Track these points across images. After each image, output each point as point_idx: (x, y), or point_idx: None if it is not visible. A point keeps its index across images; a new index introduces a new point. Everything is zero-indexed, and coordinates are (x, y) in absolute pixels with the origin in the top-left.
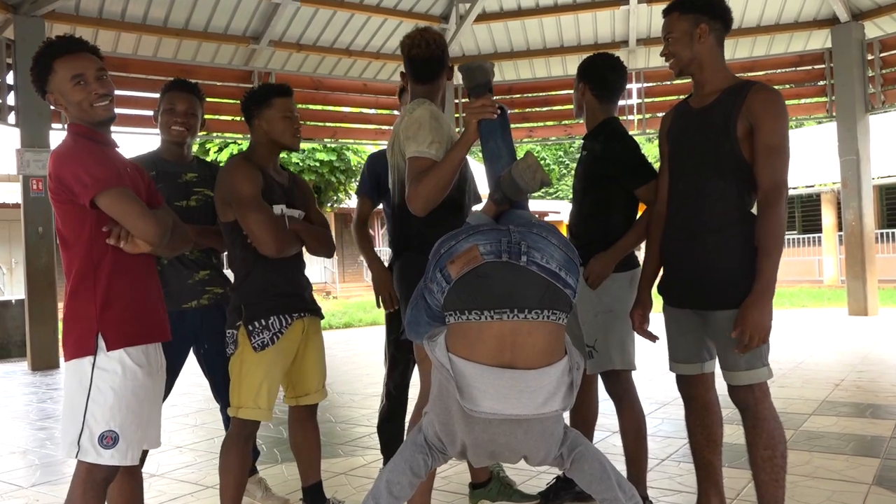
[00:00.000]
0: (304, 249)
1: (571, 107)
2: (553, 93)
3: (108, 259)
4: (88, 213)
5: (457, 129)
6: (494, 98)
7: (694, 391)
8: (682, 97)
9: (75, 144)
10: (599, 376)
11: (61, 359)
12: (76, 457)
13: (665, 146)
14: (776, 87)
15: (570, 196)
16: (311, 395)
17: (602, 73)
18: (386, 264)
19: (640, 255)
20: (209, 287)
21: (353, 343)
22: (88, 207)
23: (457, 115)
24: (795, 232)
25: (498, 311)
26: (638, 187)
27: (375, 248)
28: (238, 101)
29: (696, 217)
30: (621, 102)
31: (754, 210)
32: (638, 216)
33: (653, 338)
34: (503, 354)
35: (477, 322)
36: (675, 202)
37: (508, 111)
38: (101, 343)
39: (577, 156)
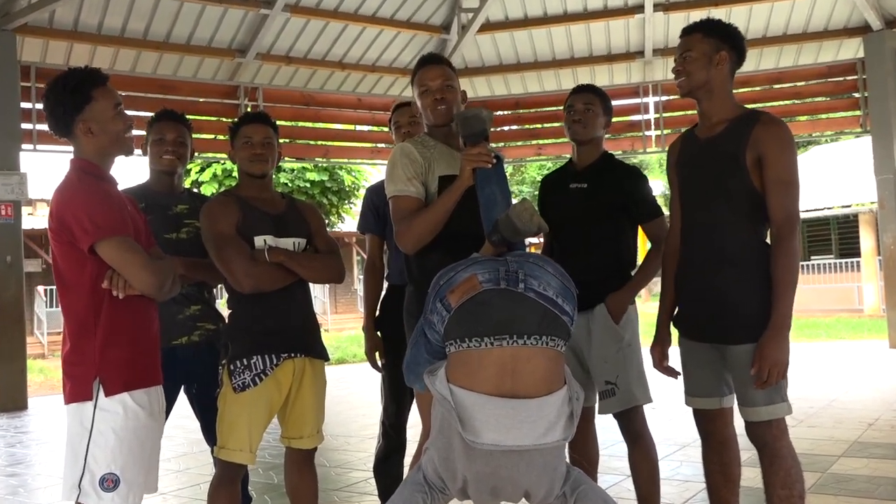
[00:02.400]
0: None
1: None
2: (563, 108)
3: (108, 301)
4: (88, 256)
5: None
6: (503, 122)
7: (712, 427)
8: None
9: (80, 183)
10: (597, 412)
11: (31, 399)
12: (77, 500)
13: (674, 177)
14: (805, 100)
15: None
16: (304, 440)
17: (612, 108)
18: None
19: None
20: (200, 323)
21: (347, 381)
22: (87, 253)
23: None
24: (832, 256)
25: (498, 338)
26: (646, 222)
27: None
28: (222, 119)
29: (709, 249)
30: (636, 117)
31: (769, 240)
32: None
33: (674, 374)
34: (504, 382)
35: (477, 349)
36: (688, 234)
37: (504, 159)
38: (101, 388)
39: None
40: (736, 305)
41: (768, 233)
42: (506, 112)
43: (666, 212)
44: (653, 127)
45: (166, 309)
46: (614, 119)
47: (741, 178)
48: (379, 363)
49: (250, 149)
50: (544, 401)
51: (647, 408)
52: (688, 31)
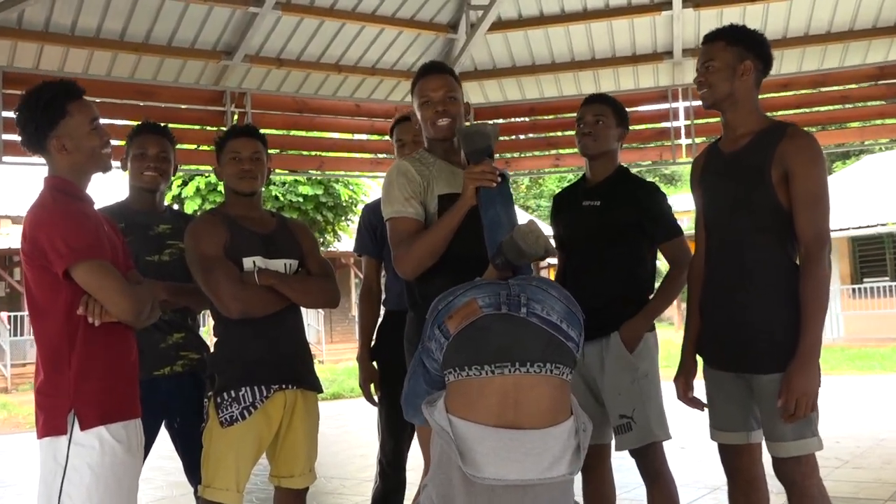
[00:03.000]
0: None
1: None
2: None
3: (84, 329)
4: (63, 281)
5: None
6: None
7: (738, 463)
8: None
9: (54, 203)
10: (613, 449)
11: None
12: None
13: (698, 193)
14: (855, 104)
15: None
16: (295, 479)
17: (627, 118)
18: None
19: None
20: (184, 352)
21: (343, 418)
22: (62, 278)
23: None
24: (887, 278)
25: (499, 365)
26: (663, 242)
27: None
28: (206, 128)
29: (734, 271)
30: (665, 124)
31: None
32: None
33: (700, 406)
34: (506, 412)
35: (477, 378)
36: (712, 255)
37: (510, 176)
38: (76, 421)
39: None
40: (762, 332)
41: (797, 253)
42: (520, 119)
43: (688, 232)
44: (683, 135)
45: (147, 337)
46: (640, 127)
47: (767, 194)
48: (375, 397)
49: (238, 164)
50: (549, 432)
51: (675, 447)
52: (710, 39)
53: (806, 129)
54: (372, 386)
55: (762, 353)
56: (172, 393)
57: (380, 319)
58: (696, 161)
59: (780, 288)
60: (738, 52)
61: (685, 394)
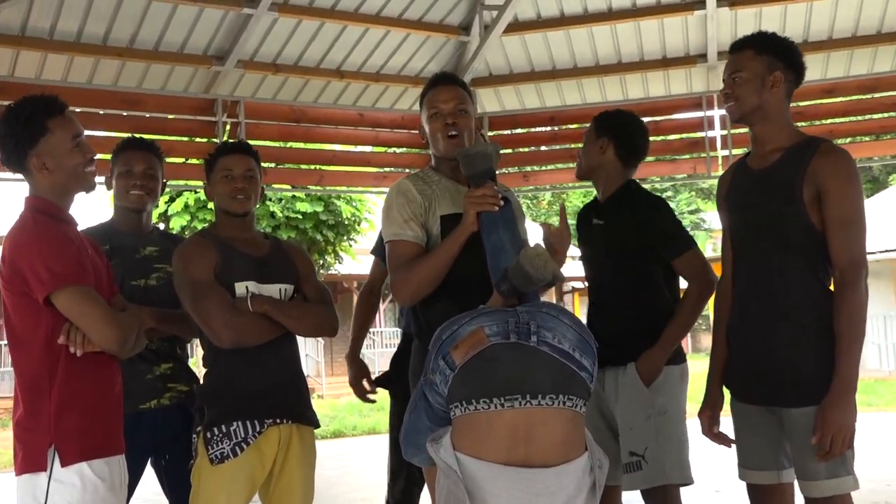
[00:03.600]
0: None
1: None
2: None
3: (66, 359)
4: (44, 309)
5: None
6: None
7: None
8: None
9: (35, 226)
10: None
11: None
12: None
13: (724, 214)
14: None
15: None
16: None
17: (631, 132)
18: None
19: None
20: (171, 384)
21: (345, 458)
22: (43, 305)
23: None
24: None
25: (508, 398)
26: (676, 257)
27: (373, 328)
28: (195, 139)
29: (764, 298)
30: (700, 133)
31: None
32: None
33: (727, 442)
34: (517, 449)
35: (486, 412)
36: (740, 280)
37: (513, 201)
38: (56, 457)
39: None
40: (793, 363)
41: (831, 278)
42: (540, 129)
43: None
44: (719, 146)
45: (132, 368)
46: (672, 137)
47: (798, 213)
48: (368, 394)
49: (230, 183)
50: (562, 470)
51: (710, 490)
52: (737, 48)
53: (857, 138)
54: (364, 382)
55: (793, 386)
56: (159, 428)
57: (397, 345)
58: (722, 178)
59: (812, 316)
60: (767, 61)
61: (710, 428)
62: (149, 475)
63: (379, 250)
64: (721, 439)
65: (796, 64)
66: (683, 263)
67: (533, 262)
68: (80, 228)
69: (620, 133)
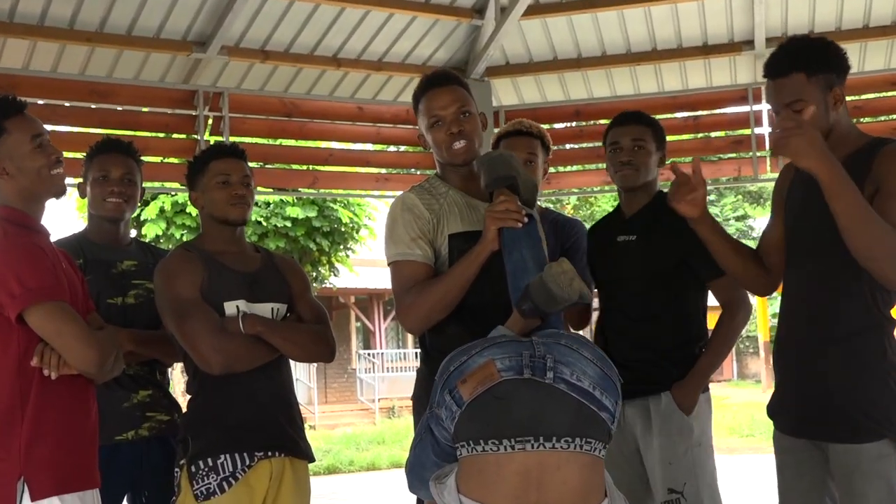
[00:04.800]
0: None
1: (670, 138)
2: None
3: (38, 383)
4: (15, 327)
5: None
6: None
7: None
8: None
9: (5, 238)
10: None
11: None
12: None
13: (778, 217)
14: None
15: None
16: None
17: (665, 138)
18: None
19: None
20: (151, 412)
21: (339, 497)
22: (14, 322)
23: None
24: None
25: (520, 440)
26: (713, 279)
27: (373, 350)
28: (173, 136)
29: (815, 320)
30: (745, 131)
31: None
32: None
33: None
34: (528, 495)
35: (495, 454)
36: (790, 298)
37: (539, 219)
38: (26, 490)
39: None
40: (840, 394)
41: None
42: (563, 125)
43: None
44: (767, 145)
45: (108, 395)
46: (715, 134)
47: None
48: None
49: (227, 189)
50: None
51: None
52: (780, 73)
53: None
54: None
55: (840, 420)
56: (138, 461)
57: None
58: (783, 174)
59: (866, 343)
60: (823, 81)
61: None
62: None
63: None
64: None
65: (847, 67)
66: (723, 286)
67: (558, 280)
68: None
69: (664, 138)
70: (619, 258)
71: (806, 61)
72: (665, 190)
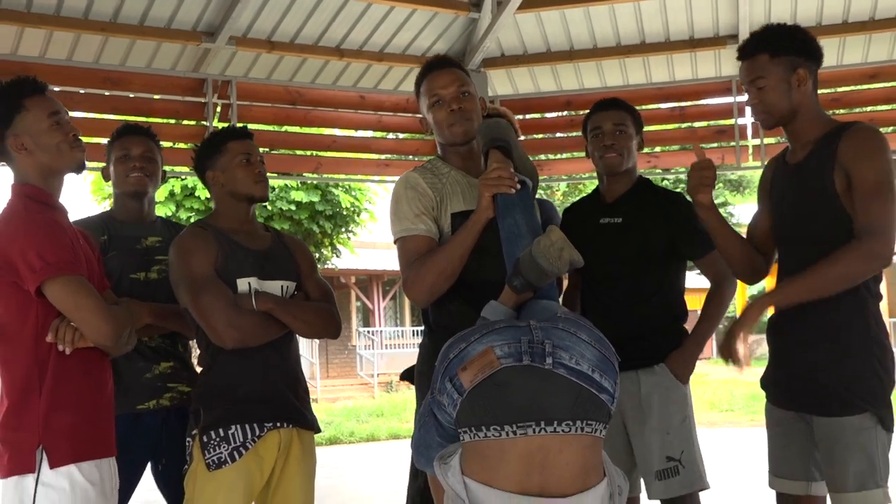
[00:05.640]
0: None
1: (657, 127)
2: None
3: (56, 356)
4: (34, 300)
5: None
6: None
7: None
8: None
9: (26, 213)
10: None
11: None
12: None
13: (765, 208)
14: None
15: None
16: None
17: (642, 123)
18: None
19: None
20: (172, 384)
21: (340, 467)
22: (34, 295)
23: None
24: None
25: (522, 426)
26: (700, 257)
27: (372, 328)
28: (183, 122)
29: (803, 313)
30: (729, 121)
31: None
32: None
33: (738, 361)
34: (531, 478)
35: (497, 440)
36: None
37: (531, 184)
38: (45, 458)
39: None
40: (826, 370)
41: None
42: (555, 114)
43: None
44: (750, 134)
45: (130, 366)
46: (699, 124)
47: (831, 208)
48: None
49: (252, 167)
50: (579, 499)
51: (732, 495)
52: (749, 54)
53: (870, 125)
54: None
55: (824, 394)
56: (158, 430)
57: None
58: (766, 169)
59: (850, 323)
60: (786, 61)
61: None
62: (147, 478)
63: None
64: (733, 356)
65: (815, 51)
66: (711, 262)
67: (547, 255)
68: (74, 220)
69: (641, 124)
70: (603, 239)
71: (770, 43)
72: (683, 169)
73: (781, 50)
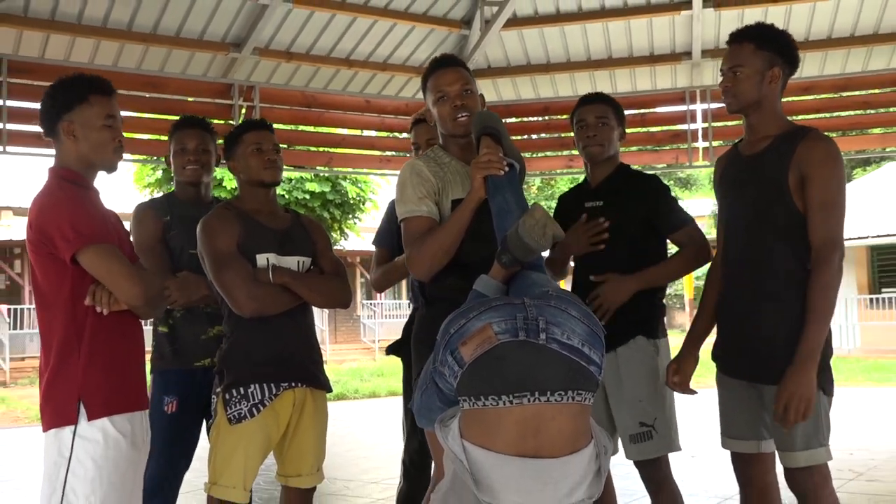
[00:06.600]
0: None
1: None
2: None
3: (91, 319)
4: (69, 269)
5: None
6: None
7: (750, 472)
8: None
9: (61, 191)
10: (625, 457)
11: None
12: None
13: (719, 198)
14: (878, 110)
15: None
16: (303, 478)
17: (624, 116)
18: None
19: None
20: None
21: (347, 420)
22: (69, 263)
23: None
24: None
25: (517, 396)
26: (675, 232)
27: (374, 300)
28: (214, 120)
29: (750, 280)
30: (682, 126)
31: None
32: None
33: (688, 391)
34: (526, 442)
35: (495, 408)
36: (729, 261)
37: (518, 167)
38: (83, 411)
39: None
40: (773, 343)
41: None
42: (533, 118)
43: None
44: (700, 138)
45: (191, 328)
46: (656, 129)
47: (783, 201)
48: None
49: (262, 155)
50: (569, 460)
51: (686, 456)
52: (737, 40)
53: (827, 135)
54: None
55: (772, 364)
56: (210, 384)
57: (408, 316)
58: (717, 163)
59: (793, 300)
60: (767, 57)
61: (671, 378)
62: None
63: (383, 241)
64: (682, 389)
65: (793, 58)
66: (682, 234)
67: (532, 233)
68: (141, 202)
69: (623, 116)
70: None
71: (758, 36)
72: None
73: (766, 45)
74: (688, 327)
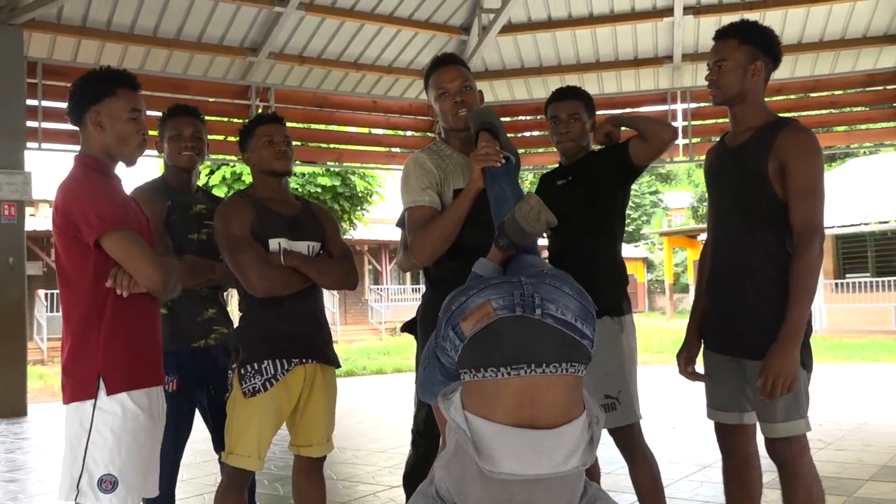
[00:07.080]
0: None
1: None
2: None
3: (112, 299)
4: (92, 252)
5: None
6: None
7: (732, 443)
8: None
9: (86, 178)
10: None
11: (30, 406)
12: (75, 500)
13: (707, 187)
14: (842, 109)
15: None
16: (314, 448)
17: (594, 105)
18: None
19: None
20: (216, 326)
21: (356, 395)
22: (92, 247)
23: None
24: (868, 274)
25: (515, 368)
26: (635, 145)
27: (381, 285)
28: (232, 120)
29: (732, 261)
30: None
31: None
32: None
33: (701, 378)
34: (522, 412)
35: (494, 379)
36: (717, 245)
37: (514, 159)
38: (103, 386)
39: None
40: (755, 320)
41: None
42: (527, 117)
43: (682, 227)
44: (681, 135)
45: (188, 310)
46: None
47: (764, 188)
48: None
49: (273, 147)
50: (563, 430)
51: (667, 427)
52: (722, 36)
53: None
54: None
55: (754, 340)
56: (209, 364)
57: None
58: (707, 155)
59: (773, 280)
60: (750, 51)
61: (685, 368)
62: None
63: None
64: (696, 377)
65: (776, 52)
66: (636, 143)
67: (527, 218)
68: (140, 183)
69: (592, 105)
70: (556, 197)
71: (742, 32)
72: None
73: (749, 40)
74: (667, 310)
